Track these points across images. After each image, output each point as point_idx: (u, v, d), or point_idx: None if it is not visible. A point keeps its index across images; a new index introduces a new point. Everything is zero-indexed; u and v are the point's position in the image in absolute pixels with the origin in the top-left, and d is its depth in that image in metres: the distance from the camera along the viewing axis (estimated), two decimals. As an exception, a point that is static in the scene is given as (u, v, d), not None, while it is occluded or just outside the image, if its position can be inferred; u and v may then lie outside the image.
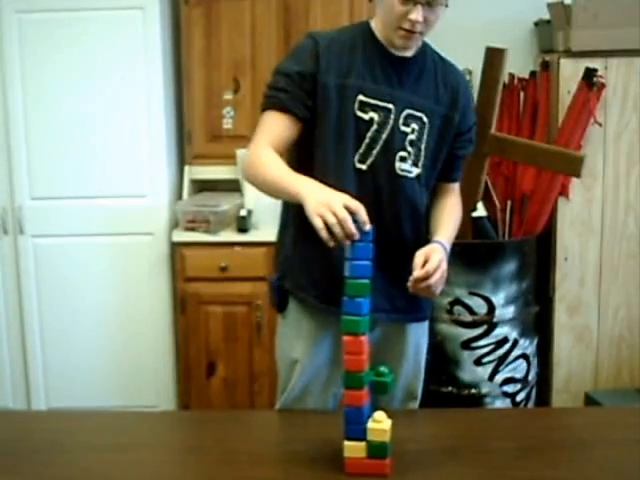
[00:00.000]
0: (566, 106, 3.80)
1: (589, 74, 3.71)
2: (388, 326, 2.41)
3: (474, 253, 3.68)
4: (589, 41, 3.76)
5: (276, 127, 2.35)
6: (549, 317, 3.99)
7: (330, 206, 1.99)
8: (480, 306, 3.64)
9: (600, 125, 3.82)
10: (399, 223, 2.39)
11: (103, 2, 3.86)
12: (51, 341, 4.10)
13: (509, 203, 3.95)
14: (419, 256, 2.24)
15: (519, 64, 4.13)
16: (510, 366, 3.70)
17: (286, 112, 2.34)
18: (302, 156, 2.40)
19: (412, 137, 2.36)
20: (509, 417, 2.50)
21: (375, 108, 2.33)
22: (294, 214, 2.38)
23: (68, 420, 2.37)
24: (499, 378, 3.68)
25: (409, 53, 2.38)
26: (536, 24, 4.25)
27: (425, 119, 2.37)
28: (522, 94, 4.13)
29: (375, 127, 2.33)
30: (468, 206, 3.70)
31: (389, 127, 2.34)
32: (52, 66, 3.90)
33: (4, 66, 3.89)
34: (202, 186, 4.32)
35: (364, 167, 2.34)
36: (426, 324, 2.61)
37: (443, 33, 4.14)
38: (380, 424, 1.87)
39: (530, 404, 3.84)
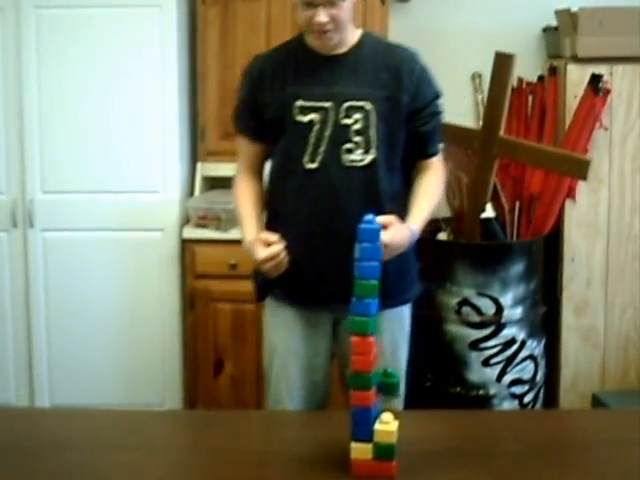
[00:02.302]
0: (573, 110, 3.83)
1: (595, 80, 3.75)
2: None
3: (482, 254, 3.70)
4: (595, 48, 3.80)
5: (244, 150, 2.66)
6: (556, 318, 4.00)
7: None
8: (488, 307, 3.65)
9: (606, 129, 3.84)
10: (359, 213, 2.40)
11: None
12: (57, 336, 4.06)
13: (517, 204, 3.97)
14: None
15: (528, 69, 4.14)
16: (518, 367, 3.70)
17: (244, 135, 2.63)
18: None
19: (357, 127, 2.46)
20: (515, 419, 2.51)
21: (314, 109, 2.46)
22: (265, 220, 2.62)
23: (72, 418, 2.35)
24: (507, 379, 3.69)
25: (341, 50, 2.50)
26: (544, 30, 4.27)
27: (369, 106, 2.46)
28: (530, 98, 4.15)
29: (317, 127, 2.46)
30: (477, 207, 3.73)
31: (330, 123, 2.46)
32: (68, 62, 3.91)
33: (21, 60, 3.89)
34: (214, 183, 4.32)
35: (314, 166, 2.47)
36: (403, 319, 2.66)
37: (454, 38, 4.25)
38: (387, 425, 1.87)
39: (538, 405, 3.85)
